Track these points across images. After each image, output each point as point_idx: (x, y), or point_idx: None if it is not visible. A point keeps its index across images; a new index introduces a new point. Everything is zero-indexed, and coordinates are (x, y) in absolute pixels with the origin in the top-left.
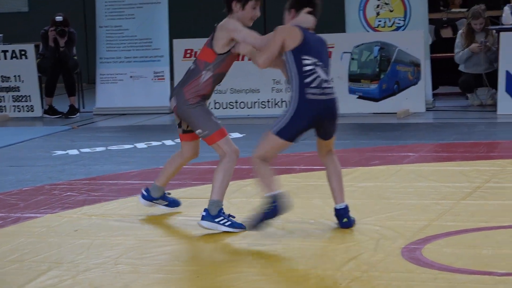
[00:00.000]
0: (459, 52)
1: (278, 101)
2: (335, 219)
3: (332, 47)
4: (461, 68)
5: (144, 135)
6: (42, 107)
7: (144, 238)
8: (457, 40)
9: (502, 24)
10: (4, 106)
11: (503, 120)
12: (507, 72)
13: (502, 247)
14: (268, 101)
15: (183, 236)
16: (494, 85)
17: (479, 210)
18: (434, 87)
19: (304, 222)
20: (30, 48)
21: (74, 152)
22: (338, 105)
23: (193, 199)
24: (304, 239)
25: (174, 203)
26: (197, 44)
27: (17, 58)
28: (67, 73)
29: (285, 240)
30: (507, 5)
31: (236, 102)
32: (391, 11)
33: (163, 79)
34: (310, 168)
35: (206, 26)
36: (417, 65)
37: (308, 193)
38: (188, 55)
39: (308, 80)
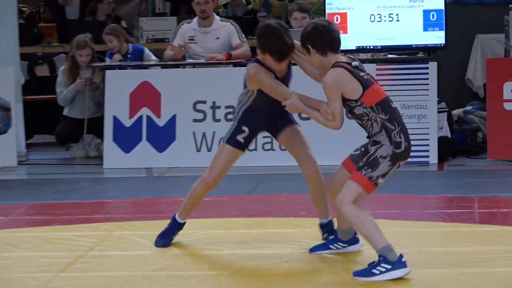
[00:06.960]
0: (63, 92)
1: None
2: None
3: None
4: (66, 112)
5: None
6: None
7: None
8: (59, 78)
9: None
10: None
11: (111, 175)
12: (115, 118)
13: None
14: None
15: None
16: (101, 133)
17: (77, 283)
18: (28, 136)
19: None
20: None
21: None
22: None
23: None
24: None
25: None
26: None
27: None
28: None
29: None
30: None
31: None
32: None
33: None
34: None
35: None
36: (6, 109)
37: None
38: None
39: None
